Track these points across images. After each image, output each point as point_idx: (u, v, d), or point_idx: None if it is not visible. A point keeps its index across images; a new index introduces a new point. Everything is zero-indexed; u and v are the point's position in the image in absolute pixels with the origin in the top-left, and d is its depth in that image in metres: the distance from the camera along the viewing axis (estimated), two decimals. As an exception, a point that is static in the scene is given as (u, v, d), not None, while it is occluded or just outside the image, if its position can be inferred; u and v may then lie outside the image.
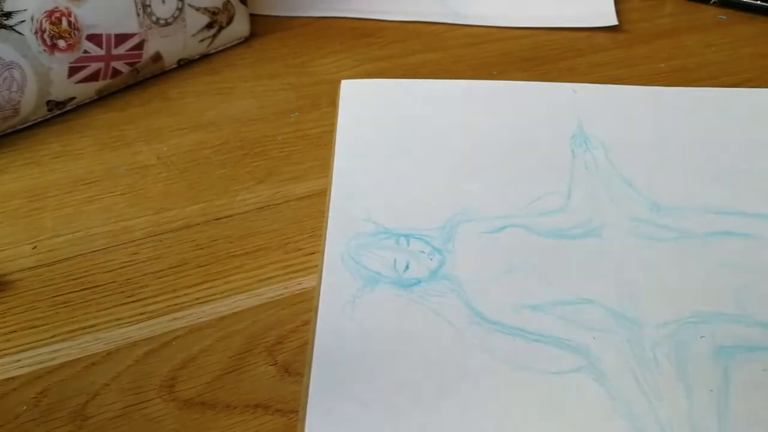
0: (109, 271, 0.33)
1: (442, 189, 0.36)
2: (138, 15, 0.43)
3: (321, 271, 0.32)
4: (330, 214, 0.35)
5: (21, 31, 0.38)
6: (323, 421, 0.26)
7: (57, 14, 0.39)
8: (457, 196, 0.36)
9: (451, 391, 0.27)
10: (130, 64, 0.44)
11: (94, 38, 0.41)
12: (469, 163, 0.38)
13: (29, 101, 0.40)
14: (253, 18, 0.51)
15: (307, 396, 0.27)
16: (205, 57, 0.48)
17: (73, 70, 0.41)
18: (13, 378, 0.29)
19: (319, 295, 0.31)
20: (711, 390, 0.27)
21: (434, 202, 0.35)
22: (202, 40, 0.47)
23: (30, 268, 0.33)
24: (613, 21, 0.52)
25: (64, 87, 0.41)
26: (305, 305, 0.32)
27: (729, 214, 0.35)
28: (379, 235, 0.33)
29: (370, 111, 0.42)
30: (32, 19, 0.38)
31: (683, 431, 0.26)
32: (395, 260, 0.32)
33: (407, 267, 0.32)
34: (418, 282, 0.31)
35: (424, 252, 0.33)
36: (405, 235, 0.33)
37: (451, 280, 0.31)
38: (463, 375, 0.28)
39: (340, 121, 0.41)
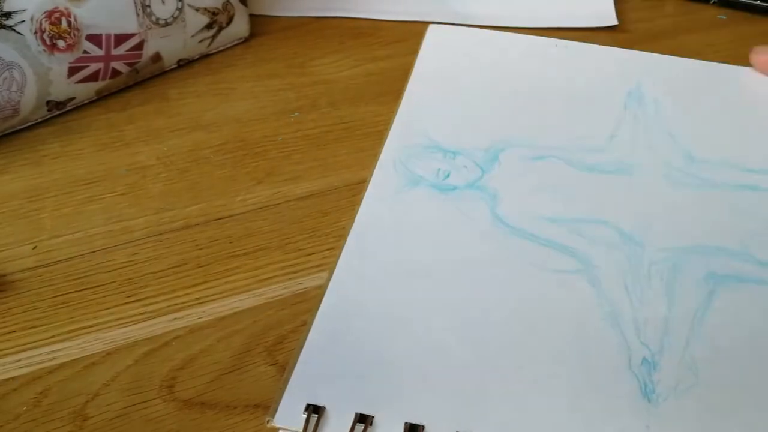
0: (109, 271, 0.33)
1: (497, 120, 0.40)
2: (138, 15, 0.43)
3: (373, 169, 0.37)
4: (393, 126, 0.40)
5: (21, 31, 0.38)
6: (348, 274, 0.31)
7: (57, 14, 0.39)
8: (510, 127, 0.40)
9: (458, 270, 0.32)
10: (130, 65, 0.44)
11: (94, 38, 0.41)
12: (528, 103, 0.42)
13: (29, 101, 0.40)
14: (253, 18, 0.51)
15: (338, 258, 0.32)
16: (204, 57, 0.48)
17: (72, 70, 0.41)
18: (13, 378, 0.29)
19: (367, 187, 0.36)
20: (691, 305, 0.30)
21: (487, 129, 0.39)
22: (202, 41, 0.47)
23: (30, 268, 0.33)
24: (613, 21, 0.52)
25: (63, 87, 0.41)
26: (305, 305, 0.32)
27: (758, 173, 0.37)
28: (430, 148, 0.38)
29: (447, 52, 0.46)
30: (32, 19, 0.38)
31: (656, 332, 0.29)
32: (439, 169, 0.37)
33: (447, 176, 0.36)
34: (454, 188, 0.36)
35: (466, 167, 0.37)
36: (453, 151, 0.38)
37: (483, 191, 0.36)
38: (471, 261, 0.32)
39: (419, 57, 0.45)
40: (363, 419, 0.26)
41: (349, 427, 0.26)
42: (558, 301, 0.31)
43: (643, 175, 0.37)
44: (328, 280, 0.31)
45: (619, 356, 0.28)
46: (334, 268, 0.32)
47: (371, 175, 0.37)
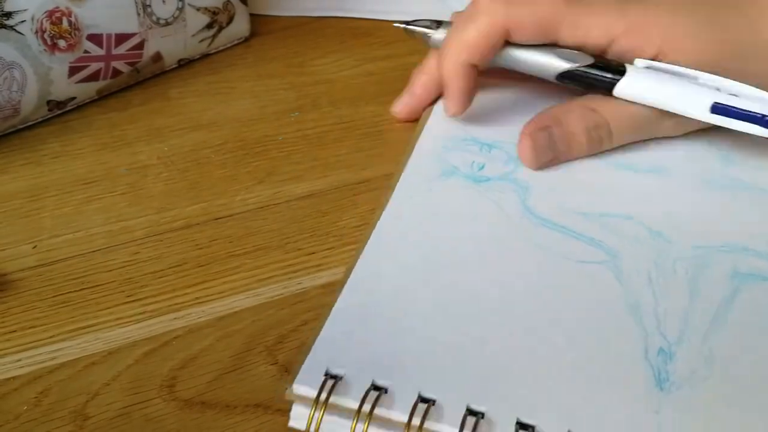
0: (109, 271, 0.33)
1: (534, 113, 0.39)
2: (138, 15, 0.43)
3: (407, 158, 0.37)
4: (430, 118, 0.40)
5: (21, 31, 0.38)
6: (378, 253, 0.32)
7: (57, 14, 0.39)
8: None
9: (488, 259, 0.32)
10: (131, 64, 0.44)
11: (95, 38, 0.41)
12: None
13: (29, 101, 0.40)
14: (253, 18, 0.51)
15: (369, 234, 0.33)
16: (205, 57, 0.48)
17: (73, 70, 0.41)
18: (13, 378, 0.29)
19: (400, 176, 0.36)
20: (713, 300, 0.30)
21: (524, 122, 0.38)
22: (203, 40, 0.47)
23: (30, 268, 0.33)
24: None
25: (64, 87, 0.41)
26: (305, 305, 0.32)
27: None
28: (467, 140, 0.39)
29: None
30: (33, 18, 0.38)
31: (675, 323, 0.29)
32: (474, 161, 0.37)
33: (482, 167, 0.37)
34: (488, 180, 0.36)
35: (500, 159, 0.38)
36: (489, 144, 0.39)
37: (516, 183, 0.36)
38: (501, 250, 0.33)
39: None
40: (378, 389, 0.26)
41: (362, 394, 0.26)
42: (580, 290, 0.31)
43: (676, 175, 0.37)
44: (358, 254, 0.32)
45: (636, 345, 0.29)
46: (365, 243, 0.32)
47: (405, 163, 0.37)
